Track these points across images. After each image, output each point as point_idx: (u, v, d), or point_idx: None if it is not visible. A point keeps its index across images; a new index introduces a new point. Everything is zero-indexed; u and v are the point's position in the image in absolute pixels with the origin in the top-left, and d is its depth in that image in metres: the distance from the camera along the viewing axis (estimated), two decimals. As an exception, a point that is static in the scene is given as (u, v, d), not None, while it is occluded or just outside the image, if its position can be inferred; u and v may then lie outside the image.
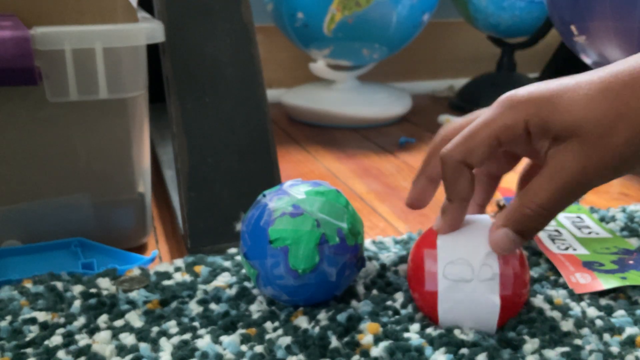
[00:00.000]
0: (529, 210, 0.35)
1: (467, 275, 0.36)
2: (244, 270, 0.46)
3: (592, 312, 0.40)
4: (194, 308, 0.41)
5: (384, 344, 0.36)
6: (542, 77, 1.15)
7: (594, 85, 0.34)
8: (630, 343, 0.37)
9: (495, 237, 0.36)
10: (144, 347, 0.36)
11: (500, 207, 0.60)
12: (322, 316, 0.39)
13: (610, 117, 0.33)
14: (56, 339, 0.37)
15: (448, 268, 0.37)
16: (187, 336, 0.38)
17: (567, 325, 0.38)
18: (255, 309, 0.41)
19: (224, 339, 0.37)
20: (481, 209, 0.45)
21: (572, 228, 0.53)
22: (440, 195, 0.40)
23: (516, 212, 0.36)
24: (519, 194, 0.36)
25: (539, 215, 0.35)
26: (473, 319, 0.37)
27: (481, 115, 0.37)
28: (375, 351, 0.36)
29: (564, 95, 0.34)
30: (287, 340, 0.37)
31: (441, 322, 0.38)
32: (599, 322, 0.39)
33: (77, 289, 0.42)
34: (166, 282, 0.44)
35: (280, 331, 0.38)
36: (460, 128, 0.39)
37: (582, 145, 0.33)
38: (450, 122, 0.41)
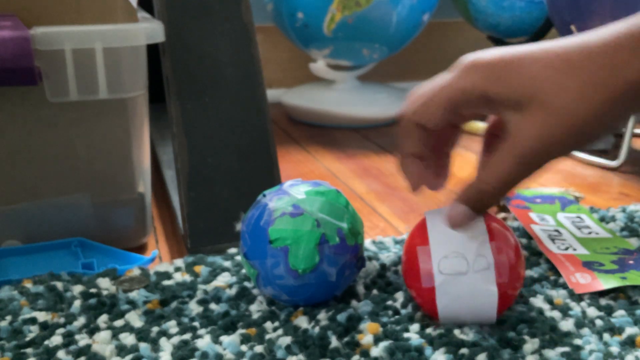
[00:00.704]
0: (488, 186, 0.35)
1: (462, 268, 0.36)
2: (244, 270, 0.46)
3: (592, 312, 0.40)
4: (194, 308, 0.41)
5: (384, 344, 0.36)
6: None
7: (560, 55, 0.33)
8: (630, 343, 0.37)
9: (453, 213, 0.37)
10: (144, 347, 0.36)
11: (500, 207, 0.60)
12: (322, 316, 0.39)
13: (572, 90, 0.32)
14: (56, 339, 0.37)
15: (443, 263, 0.37)
16: (187, 336, 0.38)
17: (567, 325, 0.38)
18: (255, 309, 0.41)
19: (224, 339, 0.37)
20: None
21: (572, 228, 0.53)
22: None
23: (475, 189, 0.36)
24: (478, 170, 0.36)
25: (497, 190, 0.35)
26: (472, 310, 0.37)
27: (440, 77, 0.36)
28: (375, 351, 0.36)
29: (527, 62, 0.33)
30: (287, 340, 0.37)
31: (441, 317, 0.38)
32: (599, 322, 0.39)
33: (77, 289, 0.42)
34: (166, 282, 0.44)
35: (280, 331, 0.38)
36: (420, 110, 0.39)
37: (543, 115, 0.33)
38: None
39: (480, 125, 0.76)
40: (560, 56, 0.33)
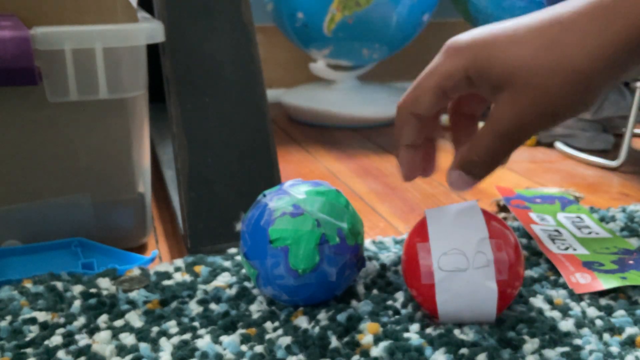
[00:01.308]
0: (476, 157, 0.37)
1: (462, 265, 0.36)
2: (244, 270, 0.46)
3: (592, 312, 0.40)
4: (194, 308, 0.41)
5: (384, 344, 0.36)
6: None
7: (533, 29, 0.34)
8: (630, 343, 0.37)
9: (451, 178, 0.38)
10: (144, 347, 0.36)
11: (500, 207, 0.60)
12: (322, 316, 0.39)
13: (546, 65, 0.33)
14: (56, 339, 0.37)
15: (442, 259, 0.37)
16: (187, 336, 0.38)
17: (567, 325, 0.38)
18: (255, 309, 0.41)
19: (224, 339, 0.37)
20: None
21: (572, 228, 0.53)
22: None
23: (465, 158, 0.37)
24: (467, 144, 0.37)
25: (485, 162, 0.37)
26: (472, 308, 0.37)
27: (429, 64, 0.37)
28: (375, 351, 0.36)
29: (502, 41, 0.34)
30: (287, 340, 0.37)
31: (440, 314, 0.38)
32: (599, 322, 0.39)
33: (77, 289, 0.42)
34: (166, 282, 0.44)
35: (280, 331, 0.38)
36: (413, 95, 0.40)
37: (516, 94, 0.34)
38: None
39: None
40: (533, 33, 0.34)
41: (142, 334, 0.38)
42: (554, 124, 0.35)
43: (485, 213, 0.38)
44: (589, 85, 0.33)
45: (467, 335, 0.37)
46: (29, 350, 0.36)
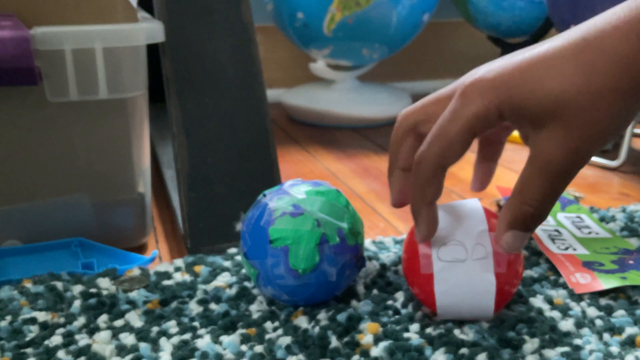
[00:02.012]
0: (531, 208, 0.34)
1: (461, 256, 0.37)
2: (244, 270, 0.46)
3: (592, 312, 0.40)
4: (194, 308, 0.41)
5: (384, 344, 0.36)
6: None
7: (566, 56, 0.32)
8: (630, 343, 0.37)
9: (507, 241, 0.35)
10: (144, 347, 0.36)
11: (500, 207, 0.60)
12: (322, 316, 0.39)
13: (588, 94, 0.31)
14: (56, 339, 0.37)
15: (442, 250, 0.37)
16: (187, 336, 0.38)
17: (567, 325, 0.38)
18: (255, 309, 0.41)
19: (224, 338, 0.37)
20: (492, 165, 0.44)
21: (572, 228, 0.53)
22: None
23: (519, 211, 0.34)
24: (513, 195, 0.34)
25: (541, 209, 0.34)
26: (470, 299, 0.37)
27: (448, 107, 0.34)
28: (375, 351, 0.36)
29: (534, 73, 0.32)
30: (287, 340, 0.37)
31: (438, 307, 0.38)
32: (599, 322, 0.39)
33: (77, 289, 0.42)
34: (166, 282, 0.44)
35: (280, 331, 0.38)
36: (418, 112, 0.38)
37: (565, 129, 0.32)
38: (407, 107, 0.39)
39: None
40: (565, 60, 0.32)
41: (142, 334, 0.38)
42: (600, 149, 0.33)
43: (485, 209, 0.38)
44: (629, 102, 0.32)
45: (467, 335, 0.37)
46: (29, 350, 0.36)
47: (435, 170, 0.35)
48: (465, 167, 0.72)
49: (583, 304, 0.41)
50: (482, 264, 0.36)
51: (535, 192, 0.33)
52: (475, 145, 0.39)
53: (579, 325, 0.38)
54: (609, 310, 0.40)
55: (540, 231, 0.51)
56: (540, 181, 0.33)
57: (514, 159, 0.78)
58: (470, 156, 0.44)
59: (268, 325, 0.39)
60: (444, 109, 0.35)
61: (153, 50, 0.52)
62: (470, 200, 0.40)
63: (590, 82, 0.31)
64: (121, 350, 0.36)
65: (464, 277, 0.37)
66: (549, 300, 0.41)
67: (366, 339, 0.37)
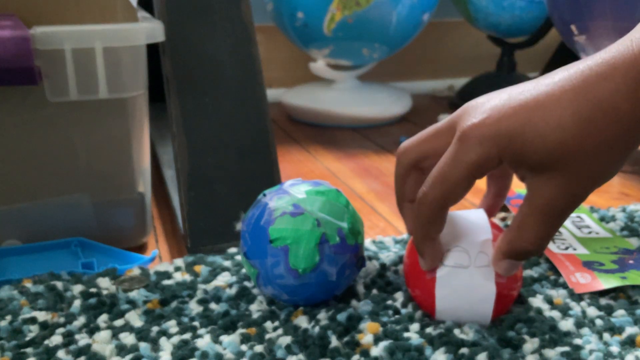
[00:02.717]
0: (529, 245, 0.35)
1: (464, 262, 0.37)
2: (244, 270, 0.46)
3: (592, 311, 0.40)
4: (194, 308, 0.41)
5: (383, 344, 0.36)
6: (542, 76, 1.14)
7: (564, 106, 0.32)
8: (630, 343, 0.37)
9: (503, 267, 0.37)
10: (144, 346, 0.36)
11: (504, 208, 0.60)
12: (322, 316, 0.39)
13: (587, 147, 0.32)
14: (56, 339, 0.37)
15: (446, 256, 0.38)
16: (187, 336, 0.38)
17: (567, 325, 0.38)
18: (255, 309, 0.41)
19: (224, 338, 0.37)
20: (499, 199, 0.44)
21: (572, 228, 0.53)
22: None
23: (516, 246, 0.35)
24: (512, 228, 0.35)
25: (537, 245, 0.35)
26: (470, 306, 0.37)
27: (448, 151, 0.35)
28: (375, 351, 0.36)
29: (533, 121, 0.32)
30: (287, 339, 0.37)
31: (437, 310, 0.38)
32: (599, 322, 0.39)
33: (77, 288, 0.42)
34: (166, 282, 0.44)
35: (280, 331, 0.38)
36: (417, 148, 0.39)
37: (564, 176, 0.33)
38: (406, 140, 0.40)
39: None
40: (564, 106, 0.32)
41: (142, 334, 0.38)
42: (597, 187, 0.35)
43: (490, 220, 0.39)
44: (624, 154, 0.33)
45: (467, 334, 0.37)
46: (28, 350, 0.36)
47: (436, 212, 0.36)
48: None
49: (583, 303, 0.41)
50: (484, 271, 0.37)
51: (532, 231, 0.34)
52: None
53: (579, 325, 0.39)
54: (609, 310, 0.40)
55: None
56: (538, 221, 0.34)
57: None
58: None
59: (268, 325, 0.39)
60: (443, 145, 0.37)
61: (153, 50, 0.52)
62: (476, 210, 0.40)
63: (588, 136, 0.32)
64: (121, 350, 0.36)
65: (466, 283, 0.37)
66: (549, 300, 0.41)
67: (366, 338, 0.37)
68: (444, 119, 0.38)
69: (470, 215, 0.40)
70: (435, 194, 0.35)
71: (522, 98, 0.33)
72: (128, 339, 0.37)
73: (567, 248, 0.48)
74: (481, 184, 0.44)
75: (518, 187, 0.64)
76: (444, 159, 0.35)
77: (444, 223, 0.37)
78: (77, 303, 0.41)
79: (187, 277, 0.45)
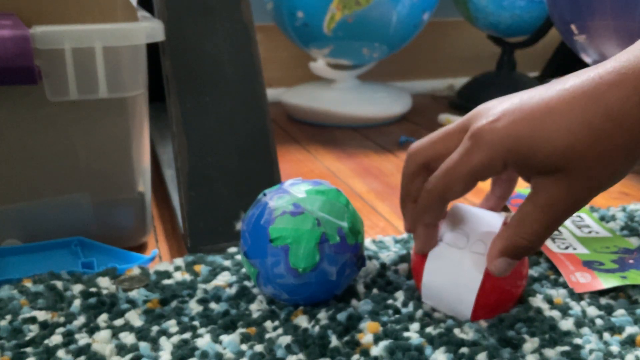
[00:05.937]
0: (525, 241, 0.35)
1: (461, 243, 0.38)
2: (244, 270, 0.46)
3: (592, 311, 0.40)
4: (194, 307, 0.41)
5: (384, 343, 0.36)
6: (542, 76, 1.14)
7: (574, 112, 0.33)
8: (630, 342, 0.37)
9: (497, 266, 0.37)
10: (143, 346, 0.36)
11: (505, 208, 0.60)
12: (322, 315, 0.39)
13: (594, 154, 0.32)
14: (56, 338, 0.37)
15: (447, 234, 0.39)
16: (187, 335, 0.38)
17: (567, 325, 0.38)
18: (255, 308, 0.41)
19: (224, 338, 0.37)
20: (501, 202, 0.45)
21: (572, 227, 0.53)
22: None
23: (513, 242, 0.36)
24: (511, 225, 0.36)
25: (535, 242, 0.35)
26: (453, 288, 0.38)
27: (459, 147, 0.36)
28: (375, 350, 0.36)
29: (542, 126, 0.33)
30: (287, 339, 0.37)
31: (424, 283, 0.39)
32: (599, 322, 0.39)
33: (77, 288, 0.42)
34: (166, 282, 0.44)
35: (280, 330, 0.38)
36: (428, 149, 0.39)
37: (570, 179, 0.33)
38: (417, 141, 0.41)
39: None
40: (577, 116, 0.32)
41: (142, 333, 0.38)
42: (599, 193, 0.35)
43: (504, 223, 0.40)
44: (631, 162, 0.33)
45: (467, 334, 0.37)
46: (28, 350, 0.36)
47: (436, 202, 0.38)
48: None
49: (583, 303, 0.41)
50: (476, 258, 0.38)
51: (532, 228, 0.35)
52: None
53: (579, 324, 0.39)
54: (609, 310, 0.40)
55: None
56: (539, 219, 0.35)
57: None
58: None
59: (268, 324, 0.39)
60: (454, 147, 0.37)
61: (153, 50, 0.52)
62: (496, 213, 0.41)
63: (597, 142, 0.32)
64: (121, 349, 0.36)
65: (455, 263, 0.38)
66: (549, 300, 0.41)
67: (366, 338, 0.37)
68: (456, 121, 0.38)
69: (488, 213, 0.41)
70: (437, 184, 0.37)
71: (533, 102, 0.34)
72: (128, 338, 0.37)
73: (567, 247, 0.48)
74: (483, 183, 0.44)
75: (519, 187, 0.64)
76: (454, 155, 0.36)
77: (440, 214, 0.38)
78: (77, 302, 0.41)
79: (187, 277, 0.45)
